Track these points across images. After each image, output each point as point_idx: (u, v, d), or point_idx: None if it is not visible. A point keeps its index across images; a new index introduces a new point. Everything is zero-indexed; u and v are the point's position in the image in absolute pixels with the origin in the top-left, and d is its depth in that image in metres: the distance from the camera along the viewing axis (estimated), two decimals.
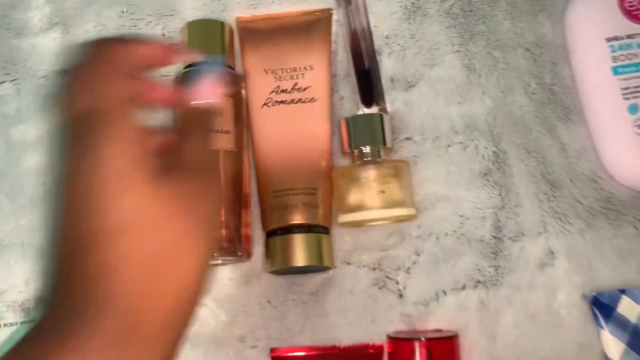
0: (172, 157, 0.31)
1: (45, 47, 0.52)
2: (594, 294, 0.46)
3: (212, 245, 0.32)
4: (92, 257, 0.27)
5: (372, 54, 0.51)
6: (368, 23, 0.51)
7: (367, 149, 0.47)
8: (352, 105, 0.51)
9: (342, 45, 0.52)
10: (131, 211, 0.27)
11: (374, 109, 0.50)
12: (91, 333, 0.26)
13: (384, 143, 0.47)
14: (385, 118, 0.48)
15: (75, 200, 0.28)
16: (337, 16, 0.52)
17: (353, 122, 0.48)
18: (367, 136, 0.47)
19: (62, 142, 0.29)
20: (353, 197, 0.46)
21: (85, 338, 0.26)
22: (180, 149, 0.32)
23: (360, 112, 0.50)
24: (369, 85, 0.50)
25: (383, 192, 0.45)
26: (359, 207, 0.45)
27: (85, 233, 0.27)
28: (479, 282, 0.47)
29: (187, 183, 0.30)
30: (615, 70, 0.48)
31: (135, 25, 0.52)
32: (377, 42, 0.52)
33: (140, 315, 0.27)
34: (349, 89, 0.51)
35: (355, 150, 0.47)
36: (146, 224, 0.28)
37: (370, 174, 0.46)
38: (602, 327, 0.45)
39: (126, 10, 0.53)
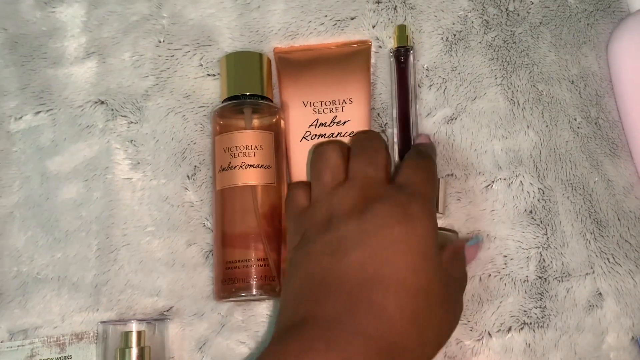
0: None
1: (81, 77, 0.52)
2: None
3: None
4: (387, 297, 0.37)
5: (415, 113, 0.50)
6: (415, 83, 0.50)
7: None
8: (389, 137, 0.50)
9: (380, 78, 0.51)
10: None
11: None
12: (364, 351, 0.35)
13: (436, 208, 0.45)
14: (442, 183, 0.46)
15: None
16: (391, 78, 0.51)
17: None
18: None
19: None
20: None
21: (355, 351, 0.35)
22: None
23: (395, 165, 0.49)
24: (408, 142, 0.49)
25: None
26: None
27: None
28: (525, 323, 0.46)
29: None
30: None
31: (172, 56, 0.52)
32: (417, 75, 0.51)
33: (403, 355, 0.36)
34: (388, 119, 0.50)
35: None
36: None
37: None
38: None
39: (163, 40, 0.52)
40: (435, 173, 0.44)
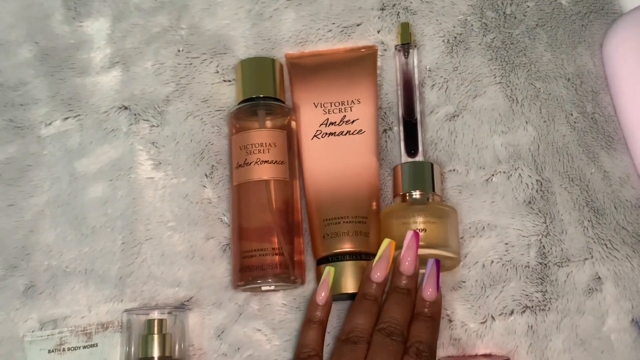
0: None
1: (107, 85, 0.56)
2: None
3: None
4: None
5: (421, 108, 0.53)
6: (419, 80, 0.53)
7: (416, 194, 0.49)
8: (395, 134, 0.53)
9: (386, 79, 0.54)
10: None
11: (418, 160, 0.51)
12: None
13: (433, 189, 0.48)
14: (436, 167, 0.49)
15: None
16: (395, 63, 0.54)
17: (405, 168, 0.49)
18: (417, 182, 0.49)
19: None
20: (397, 236, 0.47)
21: None
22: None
23: (403, 161, 0.52)
24: (414, 136, 0.52)
25: (424, 230, 0.46)
26: (401, 246, 0.46)
27: None
28: (526, 307, 0.48)
29: None
30: None
31: (191, 64, 0.55)
32: (420, 76, 0.54)
33: None
34: (394, 118, 0.53)
35: (407, 194, 0.49)
36: None
37: (416, 215, 0.47)
38: None
39: (182, 49, 0.56)
40: None
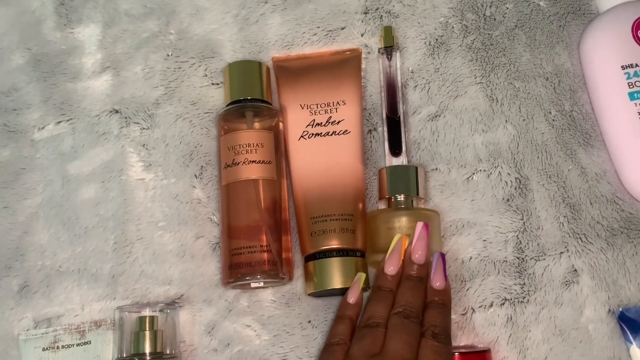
0: None
1: (98, 89, 0.57)
2: (621, 309, 0.48)
3: None
4: None
5: (404, 109, 0.54)
6: (402, 82, 0.55)
7: (401, 197, 0.50)
8: (380, 135, 0.54)
9: (370, 81, 0.56)
10: None
11: (401, 159, 0.53)
12: None
13: (417, 193, 0.50)
14: (420, 171, 0.51)
15: None
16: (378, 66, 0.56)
17: (389, 172, 0.51)
18: (402, 186, 0.50)
19: None
20: (383, 239, 0.49)
21: None
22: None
23: (387, 162, 0.53)
24: (398, 136, 0.53)
25: (409, 235, 0.48)
26: (387, 249, 0.48)
27: None
28: (505, 299, 0.49)
29: None
30: (632, 96, 0.51)
31: (179, 67, 0.57)
32: (403, 77, 0.55)
33: None
34: (378, 119, 0.55)
35: (392, 198, 0.51)
36: None
37: (401, 219, 0.48)
38: (630, 342, 0.47)
39: (171, 54, 0.57)
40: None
